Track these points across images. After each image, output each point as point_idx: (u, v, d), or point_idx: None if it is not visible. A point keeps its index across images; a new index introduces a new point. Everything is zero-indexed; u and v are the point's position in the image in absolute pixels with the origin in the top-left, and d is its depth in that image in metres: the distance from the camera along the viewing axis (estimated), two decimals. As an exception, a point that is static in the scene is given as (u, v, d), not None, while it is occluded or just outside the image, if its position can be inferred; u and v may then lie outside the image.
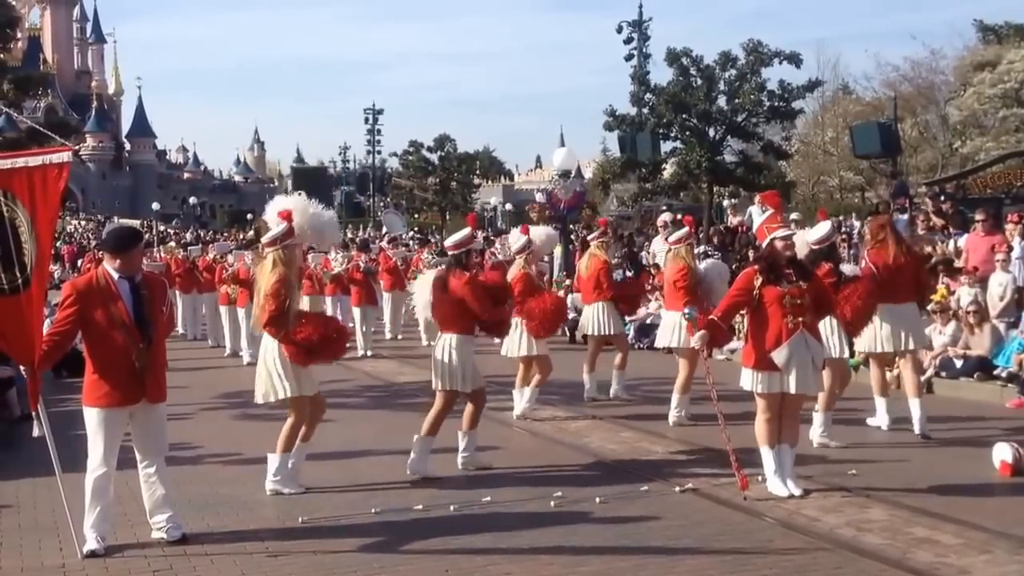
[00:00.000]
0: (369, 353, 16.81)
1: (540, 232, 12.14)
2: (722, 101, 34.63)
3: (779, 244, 7.49)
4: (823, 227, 9.18)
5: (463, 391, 8.42)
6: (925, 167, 41.13)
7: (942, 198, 19.34)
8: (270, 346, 7.76)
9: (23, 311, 6.41)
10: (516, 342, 10.86)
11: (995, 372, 12.12)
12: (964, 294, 13.22)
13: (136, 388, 6.39)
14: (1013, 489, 7.81)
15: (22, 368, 6.66)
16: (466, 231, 8.79)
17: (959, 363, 12.43)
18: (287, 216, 7.73)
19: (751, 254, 16.21)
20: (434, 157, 62.22)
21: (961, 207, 17.47)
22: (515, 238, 12.02)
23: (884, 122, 26.54)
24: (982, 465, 8.24)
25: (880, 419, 9.93)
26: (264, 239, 7.91)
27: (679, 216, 16.45)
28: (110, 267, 6.49)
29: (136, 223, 59.10)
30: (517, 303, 10.92)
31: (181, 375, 13.81)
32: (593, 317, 11.90)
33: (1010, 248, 13.36)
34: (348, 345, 17.73)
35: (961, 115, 39.56)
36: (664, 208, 25.46)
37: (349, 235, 38.14)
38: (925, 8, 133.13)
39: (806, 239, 8.98)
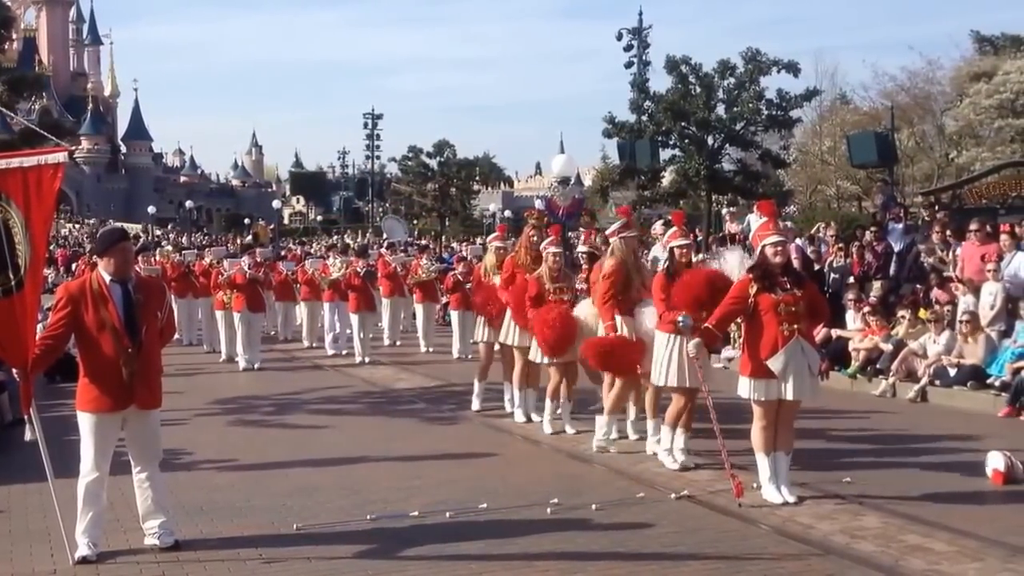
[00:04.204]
0: (367, 360, 16.78)
1: None
2: (721, 109, 34.66)
3: (769, 251, 7.51)
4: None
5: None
6: (921, 177, 41.11)
7: (936, 208, 19.34)
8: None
9: (16, 313, 6.37)
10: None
11: (988, 381, 12.14)
12: (961, 303, 13.25)
13: (125, 393, 6.34)
14: (1005, 497, 7.85)
15: (14, 372, 6.62)
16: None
17: (953, 372, 12.45)
18: (627, 212, 9.63)
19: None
20: (433, 163, 62.18)
21: (957, 216, 17.45)
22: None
23: (881, 132, 26.50)
24: (975, 473, 8.28)
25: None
26: (608, 230, 9.43)
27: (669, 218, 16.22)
28: (103, 271, 6.47)
29: (137, 227, 59.08)
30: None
31: (176, 380, 13.79)
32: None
33: (1000, 257, 13.35)
34: (345, 352, 17.86)
35: (957, 125, 39.59)
36: (659, 216, 25.39)
37: (347, 240, 38.11)
38: (922, 19, 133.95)
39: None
